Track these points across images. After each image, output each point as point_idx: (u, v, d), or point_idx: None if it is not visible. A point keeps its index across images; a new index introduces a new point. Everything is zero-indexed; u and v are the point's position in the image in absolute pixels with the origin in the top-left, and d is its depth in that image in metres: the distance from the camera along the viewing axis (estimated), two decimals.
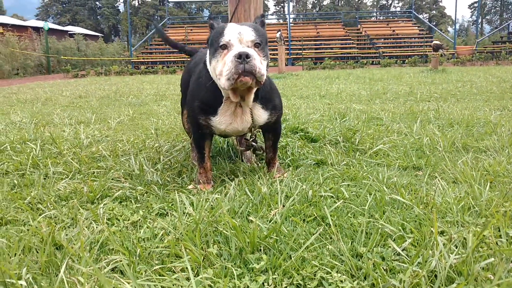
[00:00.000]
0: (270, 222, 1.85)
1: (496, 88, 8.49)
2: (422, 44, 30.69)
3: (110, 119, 5.33)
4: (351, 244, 1.60)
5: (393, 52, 29.66)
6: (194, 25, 40.07)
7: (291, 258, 1.49)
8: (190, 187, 2.47)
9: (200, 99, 2.40)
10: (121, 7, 73.77)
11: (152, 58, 31.51)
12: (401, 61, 25.63)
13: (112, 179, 2.61)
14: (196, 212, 1.90)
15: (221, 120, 2.36)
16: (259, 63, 2.05)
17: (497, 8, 71.22)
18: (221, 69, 2.08)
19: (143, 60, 30.97)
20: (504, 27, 45.71)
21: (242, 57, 2.00)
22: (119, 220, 1.98)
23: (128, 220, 1.97)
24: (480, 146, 3.22)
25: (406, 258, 1.46)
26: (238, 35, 2.11)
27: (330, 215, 1.84)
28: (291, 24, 36.82)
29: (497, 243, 1.57)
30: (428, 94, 7.73)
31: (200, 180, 2.49)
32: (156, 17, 67.44)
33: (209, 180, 2.52)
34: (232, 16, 3.39)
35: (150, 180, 2.59)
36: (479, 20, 40.64)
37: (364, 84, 10.64)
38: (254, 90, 2.27)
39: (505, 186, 2.27)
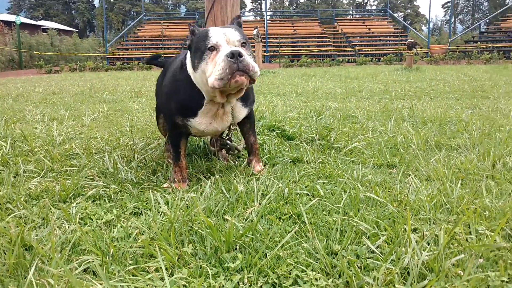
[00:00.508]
0: (246, 220, 1.85)
1: (468, 87, 8.68)
2: (397, 42, 31.15)
3: (84, 116, 5.23)
4: (326, 242, 1.61)
5: (368, 50, 30.01)
6: (170, 21, 39.74)
7: (266, 257, 1.49)
8: (165, 185, 2.45)
9: (178, 101, 2.37)
10: (96, 2, 72.55)
11: (127, 54, 31.12)
12: (376, 59, 25.97)
13: (86, 177, 2.56)
14: (171, 211, 1.88)
15: (201, 121, 2.35)
16: (251, 61, 2.06)
17: (469, 8, 72.79)
18: (211, 70, 2.07)
19: (118, 56, 30.55)
20: (476, 27, 46.77)
21: (235, 56, 2.00)
22: (92, 220, 1.94)
23: (102, 219, 1.94)
24: (452, 144, 3.28)
25: (380, 255, 1.48)
26: (225, 36, 2.11)
27: (306, 213, 1.84)
28: (268, 21, 36.86)
29: (467, 240, 1.60)
30: (402, 92, 7.85)
31: (175, 179, 2.47)
32: (132, 12, 66.52)
33: (185, 178, 2.50)
34: (209, 13, 3.36)
35: (124, 178, 2.55)
36: (450, 20, 41.43)
37: (340, 82, 10.73)
38: (244, 90, 2.26)
39: (475, 183, 2.32)
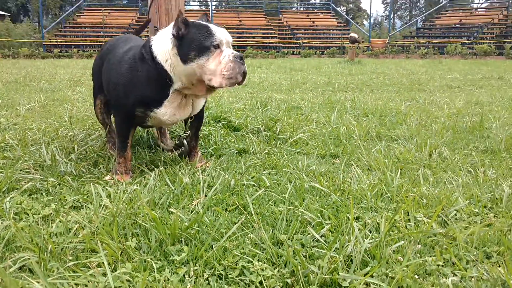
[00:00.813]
0: (192, 212, 1.83)
1: (406, 80, 9.06)
2: (340, 36, 31.89)
3: (18, 105, 4.94)
4: (272, 232, 1.62)
5: (312, 43, 30.52)
6: (112, 7, 38.41)
7: (212, 249, 1.48)
8: (107, 178, 2.36)
9: (140, 93, 2.29)
10: None
11: (66, 41, 29.76)
12: (320, 52, 26.47)
13: (21, 170, 2.42)
14: (114, 204, 1.82)
15: (166, 112, 2.32)
16: None
17: (406, 5, 75.76)
18: (215, 68, 2.11)
19: (56, 43, 29.16)
20: (413, 23, 48.82)
21: (243, 60, 2.16)
22: (28, 215, 1.84)
23: (39, 214, 1.84)
24: (391, 135, 3.41)
25: (324, 244, 1.51)
26: (226, 36, 2.18)
27: (252, 204, 1.84)
28: (213, 12, 36.51)
29: (406, 227, 1.67)
30: (345, 84, 8.06)
31: (119, 171, 2.39)
32: None
33: (128, 170, 2.43)
34: (152, 1, 3.27)
35: (63, 171, 2.44)
36: (390, 15, 42.99)
37: (285, 74, 10.85)
38: None
39: (413, 172, 2.42)
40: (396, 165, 2.53)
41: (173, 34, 2.16)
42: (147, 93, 2.28)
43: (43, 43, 29.32)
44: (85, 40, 30.08)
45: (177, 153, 2.78)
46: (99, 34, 30.91)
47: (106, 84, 2.57)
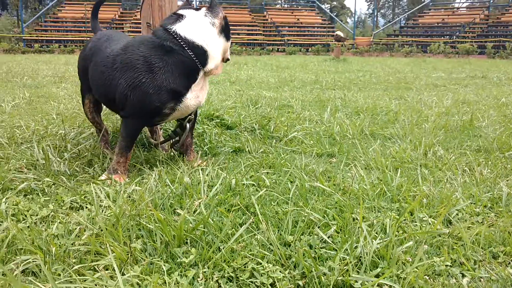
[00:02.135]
0: (194, 213, 1.80)
1: (392, 79, 9.13)
2: (325, 33, 32.00)
3: (3, 102, 4.83)
4: (278, 233, 1.61)
5: (297, 40, 30.56)
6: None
7: (220, 250, 1.46)
8: (102, 177, 2.31)
9: (172, 87, 2.24)
10: None
11: (47, 36, 29.22)
12: (305, 49, 26.53)
13: (13, 170, 2.36)
14: (116, 205, 1.78)
15: (192, 96, 2.35)
16: None
17: (390, 3, 76.42)
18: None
19: (36, 38, 28.61)
20: (397, 21, 49.27)
21: None
22: (26, 216, 1.80)
23: (37, 215, 1.80)
24: (385, 133, 3.43)
25: (333, 245, 1.50)
26: None
27: (253, 204, 1.83)
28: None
29: (411, 227, 1.68)
30: (332, 82, 8.09)
31: (118, 170, 2.34)
32: None
33: (126, 170, 2.39)
34: None
35: (57, 170, 2.39)
36: (375, 14, 43.33)
37: (272, 72, 10.84)
38: None
39: (411, 171, 2.43)
40: (393, 164, 2.54)
41: (221, 17, 2.39)
42: (180, 84, 2.28)
43: (23, 37, 28.74)
44: (67, 35, 29.58)
45: (173, 149, 2.75)
46: (81, 29, 30.42)
47: (105, 91, 2.43)
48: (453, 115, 4.32)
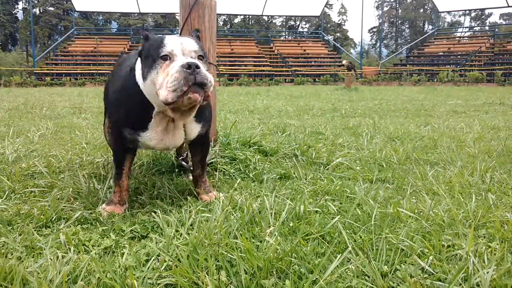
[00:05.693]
0: (263, 242, 1.68)
1: (410, 106, 9.08)
2: (332, 63, 32.30)
3: (28, 132, 4.78)
4: (369, 262, 1.49)
5: (304, 71, 30.84)
6: (102, 36, 38.57)
7: (315, 283, 1.34)
8: (99, 209, 2.14)
9: (126, 111, 2.12)
10: (20, 15, 68.59)
11: (57, 70, 29.66)
12: (312, 80, 26.69)
13: (61, 199, 2.26)
14: (192, 233, 1.66)
15: (151, 136, 2.11)
16: (208, 74, 1.87)
17: (392, 34, 77.47)
18: (162, 81, 1.84)
19: (47, 71, 29.03)
20: (400, 52, 49.85)
21: (192, 68, 1.79)
22: (87, 247, 1.69)
23: (99, 245, 1.69)
24: (429, 159, 3.31)
25: (436, 274, 1.37)
26: (181, 45, 1.91)
27: (329, 232, 1.71)
28: None
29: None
30: (351, 110, 8.03)
31: (112, 201, 2.19)
32: (60, 27, 63.71)
33: (123, 201, 2.21)
34: (185, 22, 3.18)
35: (104, 200, 2.29)
36: (380, 44, 43.89)
37: (286, 101, 10.83)
38: (197, 108, 2.04)
39: (477, 197, 2.31)
40: (456, 189, 2.42)
41: (138, 52, 2.03)
42: (131, 112, 2.11)
43: (35, 71, 29.16)
44: (76, 68, 30.01)
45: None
46: (91, 62, 30.90)
47: (109, 102, 2.46)
48: (490, 141, 4.21)
